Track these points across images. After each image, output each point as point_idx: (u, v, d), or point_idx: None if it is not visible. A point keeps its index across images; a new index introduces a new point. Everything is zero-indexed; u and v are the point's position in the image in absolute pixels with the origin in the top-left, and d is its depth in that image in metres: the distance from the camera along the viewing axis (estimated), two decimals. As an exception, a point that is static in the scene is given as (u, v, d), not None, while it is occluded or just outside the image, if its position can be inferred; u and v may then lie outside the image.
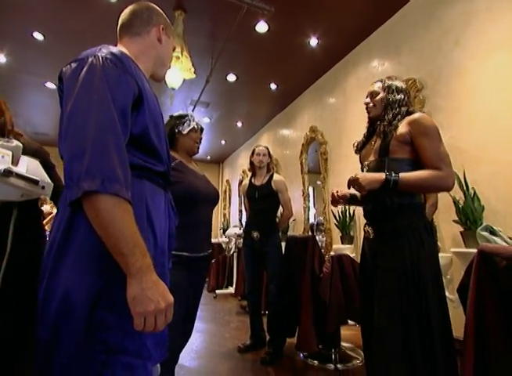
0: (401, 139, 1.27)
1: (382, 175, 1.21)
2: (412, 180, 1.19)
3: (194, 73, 3.06)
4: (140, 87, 0.75)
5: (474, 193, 2.09)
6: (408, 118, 1.28)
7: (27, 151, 1.30)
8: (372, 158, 1.38)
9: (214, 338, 2.76)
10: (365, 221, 1.43)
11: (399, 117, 1.32)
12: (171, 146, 1.44)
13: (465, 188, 2.10)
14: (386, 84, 1.40)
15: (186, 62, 2.89)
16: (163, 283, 0.64)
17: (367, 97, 1.44)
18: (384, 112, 1.36)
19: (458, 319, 2.30)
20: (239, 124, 6.22)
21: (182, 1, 3.01)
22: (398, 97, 1.35)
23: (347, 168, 3.61)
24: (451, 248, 2.12)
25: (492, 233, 1.89)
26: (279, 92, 4.78)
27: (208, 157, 8.86)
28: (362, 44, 3.53)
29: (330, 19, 3.22)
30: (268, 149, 2.55)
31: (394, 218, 1.28)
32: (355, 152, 1.56)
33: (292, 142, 5.11)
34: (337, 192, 1.47)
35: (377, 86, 1.42)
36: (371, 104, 1.41)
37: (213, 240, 6.86)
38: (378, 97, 1.38)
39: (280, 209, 2.54)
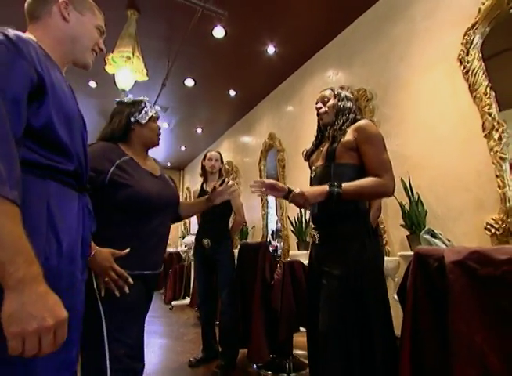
0: (347, 145, 1.29)
1: (325, 188, 1.20)
2: (353, 190, 1.20)
3: (147, 75, 2.94)
4: (41, 74, 0.66)
5: (418, 197, 2.18)
6: (354, 125, 1.31)
7: None
8: (319, 163, 1.40)
9: (166, 353, 2.61)
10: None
11: (347, 123, 1.35)
12: (123, 139, 1.24)
13: (410, 193, 2.19)
14: (336, 92, 1.44)
15: (138, 63, 2.77)
16: (55, 296, 0.55)
17: (318, 102, 1.45)
18: (336, 118, 1.37)
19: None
20: (199, 131, 6.11)
21: (135, 0, 2.90)
22: (348, 105, 1.39)
23: (303, 174, 3.64)
24: (398, 252, 2.19)
25: (433, 236, 1.98)
26: (238, 99, 4.77)
27: (168, 164, 8.60)
28: (318, 53, 3.63)
29: (286, 28, 3.28)
30: (220, 154, 2.50)
31: (338, 224, 1.29)
32: (304, 159, 1.57)
33: (252, 149, 5.11)
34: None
35: (328, 93, 1.45)
36: (323, 109, 1.41)
37: (172, 249, 6.61)
38: (330, 103, 1.40)
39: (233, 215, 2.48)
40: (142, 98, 1.31)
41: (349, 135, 1.29)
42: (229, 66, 3.90)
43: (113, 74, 2.84)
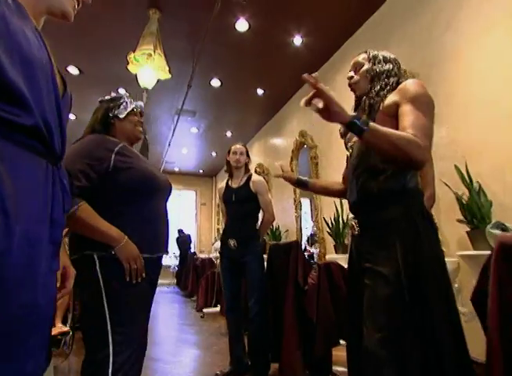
0: (388, 112, 1.05)
1: (347, 116, 0.90)
2: (381, 132, 0.91)
3: (169, 72, 2.86)
4: None
5: (480, 187, 1.82)
6: (398, 86, 1.07)
7: None
8: (356, 138, 1.13)
9: (193, 364, 2.43)
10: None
11: (388, 87, 1.10)
12: (106, 133, 1.22)
13: (468, 182, 1.84)
14: (371, 55, 1.20)
15: (160, 60, 2.70)
16: None
17: (350, 70, 1.23)
18: (371, 85, 1.14)
19: (472, 337, 1.99)
20: (229, 134, 6.02)
21: (156, -1, 2.86)
22: (386, 67, 1.14)
23: (338, 171, 3.35)
24: (457, 252, 1.83)
25: (504, 230, 1.62)
26: (266, 98, 4.60)
27: (201, 171, 8.64)
28: (349, 40, 3.36)
29: (313, 15, 3.06)
30: (245, 147, 2.30)
31: (382, 208, 1.03)
32: (341, 137, 1.32)
33: (283, 149, 4.89)
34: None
35: (362, 57, 1.22)
36: (355, 78, 1.20)
37: (204, 255, 6.52)
38: (363, 69, 1.18)
39: (261, 214, 2.26)
40: (121, 93, 1.31)
41: (390, 99, 1.06)
42: (255, 62, 3.75)
43: (136, 75, 2.79)
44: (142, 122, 1.30)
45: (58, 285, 0.87)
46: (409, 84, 1.04)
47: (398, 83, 1.12)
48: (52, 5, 0.72)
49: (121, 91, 4.29)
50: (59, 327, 2.61)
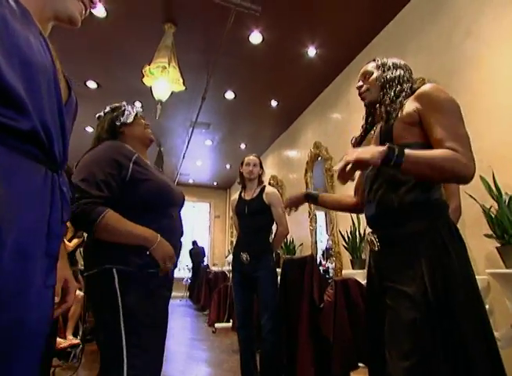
0: (408, 120, 0.98)
1: (379, 148, 0.86)
2: (419, 157, 0.86)
3: (184, 84, 2.89)
4: None
5: (510, 199, 1.69)
6: (416, 92, 1.00)
7: None
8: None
9: (203, 384, 2.33)
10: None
11: (403, 94, 1.04)
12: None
13: (496, 194, 1.72)
14: (380, 62, 1.15)
15: (174, 72, 2.73)
16: None
17: (359, 80, 1.19)
18: (383, 92, 1.09)
19: (506, 365, 1.82)
20: (243, 146, 6.02)
21: (172, 13, 2.92)
22: (397, 73, 1.09)
23: (354, 183, 3.26)
24: (486, 269, 1.70)
25: (539, 246, 1.49)
26: (280, 110, 4.59)
27: (215, 183, 8.67)
28: (363, 51, 3.32)
29: (327, 26, 3.05)
30: (259, 158, 2.26)
31: (405, 222, 0.95)
32: (353, 146, 1.25)
33: (297, 161, 4.83)
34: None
35: (371, 66, 1.17)
36: (365, 87, 1.15)
37: (217, 269, 6.44)
38: (373, 77, 1.13)
39: (274, 227, 2.19)
40: (121, 103, 1.30)
41: (409, 107, 0.99)
42: (269, 73, 3.76)
43: (151, 87, 2.83)
44: (148, 124, 1.31)
45: (58, 300, 0.83)
46: (431, 90, 0.97)
47: (412, 89, 1.06)
48: (58, 11, 0.70)
49: (137, 104, 4.38)
50: (69, 340, 2.58)
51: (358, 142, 1.24)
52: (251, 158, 2.23)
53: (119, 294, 0.99)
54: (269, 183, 5.41)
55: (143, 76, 2.78)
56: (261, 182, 2.25)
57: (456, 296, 0.83)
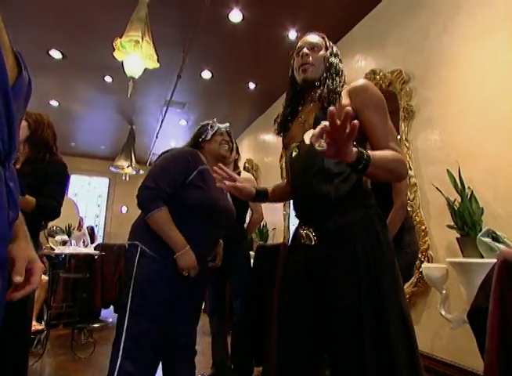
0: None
1: (353, 154, 0.80)
2: (380, 160, 0.84)
3: (158, 61, 2.73)
4: None
5: (472, 193, 1.79)
6: (350, 87, 0.99)
7: None
8: (302, 138, 1.00)
9: (174, 366, 2.34)
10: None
11: (341, 86, 1.01)
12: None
13: (460, 188, 1.81)
14: (328, 43, 1.09)
15: (148, 48, 2.56)
16: None
17: (303, 47, 1.06)
18: (325, 76, 1.02)
19: (455, 343, 1.98)
20: (219, 128, 5.89)
21: (146, -18, 2.71)
22: (341, 65, 1.07)
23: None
24: (446, 258, 1.81)
25: (495, 239, 1.60)
26: (258, 92, 4.50)
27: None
28: (343, 38, 3.29)
29: (310, 10, 2.98)
30: (236, 144, 2.22)
31: (342, 212, 0.94)
32: (278, 132, 1.16)
33: (273, 146, 4.81)
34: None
35: (317, 39, 1.08)
36: (310, 59, 1.03)
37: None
38: (321, 53, 1.05)
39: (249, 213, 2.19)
40: (209, 121, 1.50)
41: (344, 101, 0.97)
42: (248, 54, 3.65)
43: (122, 62, 2.65)
44: (227, 141, 1.46)
45: (21, 280, 0.77)
46: (367, 87, 0.97)
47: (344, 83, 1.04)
48: None
49: (107, 79, 4.11)
50: (33, 326, 2.49)
51: (283, 128, 1.14)
52: (227, 143, 2.18)
53: (135, 269, 1.20)
54: (244, 167, 5.37)
55: (114, 49, 2.59)
56: (236, 167, 2.22)
57: (385, 283, 0.87)
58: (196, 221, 1.28)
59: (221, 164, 1.12)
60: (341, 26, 3.19)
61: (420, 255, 2.22)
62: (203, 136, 1.43)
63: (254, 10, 2.98)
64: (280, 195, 1.22)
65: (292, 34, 3.30)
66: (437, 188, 1.98)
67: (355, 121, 0.68)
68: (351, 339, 0.84)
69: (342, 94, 0.98)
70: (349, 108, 0.66)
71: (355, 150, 0.79)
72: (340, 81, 1.01)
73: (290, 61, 1.12)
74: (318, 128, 0.72)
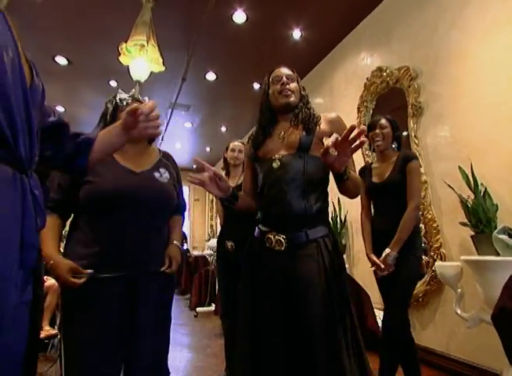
0: (321, 137, 1.12)
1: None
2: (354, 177, 1.08)
3: (163, 64, 2.74)
4: None
5: (485, 190, 1.77)
6: (327, 116, 1.19)
7: None
8: (284, 152, 1.14)
9: (185, 369, 2.35)
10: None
11: (314, 113, 1.20)
12: None
13: (473, 185, 1.78)
14: (296, 75, 1.25)
15: (153, 51, 2.58)
16: None
17: (282, 77, 1.20)
18: (303, 103, 1.21)
19: (471, 342, 1.94)
20: (224, 129, 5.90)
21: (150, -14, 2.72)
22: (307, 94, 1.26)
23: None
24: (461, 256, 1.78)
25: (511, 235, 1.57)
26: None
27: (194, 166, 8.50)
28: (349, 35, 3.27)
29: (314, 8, 2.96)
30: (244, 145, 2.21)
31: (311, 226, 1.09)
32: (253, 146, 1.24)
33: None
34: None
35: (290, 72, 1.24)
36: (291, 87, 1.19)
37: (197, 253, 6.44)
38: (295, 84, 1.21)
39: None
40: (109, 97, 1.27)
41: (323, 126, 1.16)
42: (252, 55, 3.64)
43: (128, 67, 2.66)
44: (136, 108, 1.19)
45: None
46: (341, 120, 1.19)
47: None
48: None
49: (113, 83, 4.13)
50: (46, 330, 2.51)
51: (259, 144, 1.22)
52: (236, 144, 2.18)
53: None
54: (250, 168, 5.37)
55: (120, 54, 2.60)
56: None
57: (345, 288, 1.06)
58: (98, 219, 1.09)
59: (197, 159, 1.11)
60: (346, 23, 3.16)
61: (432, 253, 2.20)
62: (107, 117, 1.21)
63: (257, 10, 2.97)
64: (244, 204, 1.26)
65: (296, 33, 3.28)
66: (449, 185, 1.96)
67: (364, 139, 0.85)
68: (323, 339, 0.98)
69: (325, 121, 1.17)
70: (364, 127, 0.88)
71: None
72: (313, 109, 1.21)
73: (264, 87, 1.27)
74: (332, 139, 0.88)
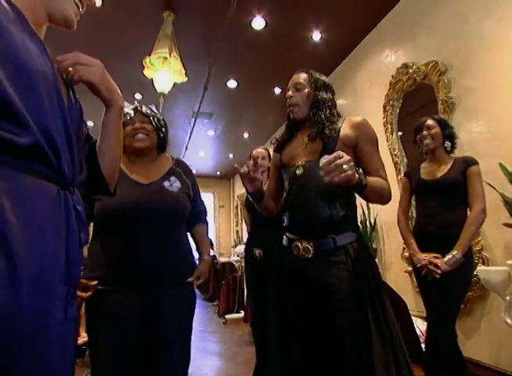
0: (347, 143, 1.11)
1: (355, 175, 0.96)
2: (372, 184, 1.02)
3: (186, 75, 2.79)
4: None
5: (531, 187, 1.63)
6: (352, 120, 1.15)
7: None
8: (307, 158, 1.14)
9: (217, 377, 2.34)
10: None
11: (335, 118, 1.15)
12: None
13: (517, 182, 1.66)
14: (313, 78, 1.18)
15: (175, 63, 2.63)
16: None
17: (289, 89, 1.20)
18: (313, 112, 1.14)
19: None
20: (246, 135, 5.93)
21: (171, 1, 2.79)
22: (327, 96, 1.16)
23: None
24: (507, 260, 1.65)
25: None
26: (284, 97, 4.46)
27: (218, 173, 8.60)
28: (371, 33, 3.18)
29: (333, 8, 2.91)
30: (268, 151, 2.19)
31: (338, 233, 1.06)
32: (275, 150, 1.31)
33: (302, 149, 4.75)
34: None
35: (303, 78, 1.19)
36: (295, 98, 1.17)
37: (224, 259, 6.46)
38: (304, 92, 1.17)
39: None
40: None
41: (348, 131, 1.12)
42: (272, 60, 3.63)
43: (152, 79, 2.73)
44: (139, 127, 1.19)
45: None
46: (366, 124, 1.15)
47: (337, 114, 1.18)
48: (53, 12, 0.64)
49: (138, 96, 4.28)
50: (83, 337, 2.59)
51: (279, 148, 1.27)
52: (259, 151, 2.17)
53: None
54: (274, 172, 5.34)
55: (144, 67, 2.68)
56: (270, 175, 2.19)
57: (382, 296, 1.02)
58: (111, 234, 1.10)
59: (236, 166, 1.10)
60: (367, 21, 3.08)
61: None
62: None
63: (276, 16, 2.97)
64: (267, 206, 1.26)
65: (316, 35, 3.25)
66: (489, 184, 1.83)
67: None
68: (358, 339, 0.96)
69: (344, 125, 1.14)
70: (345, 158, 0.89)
71: (356, 176, 0.94)
72: (329, 113, 1.13)
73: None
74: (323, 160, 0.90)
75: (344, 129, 1.12)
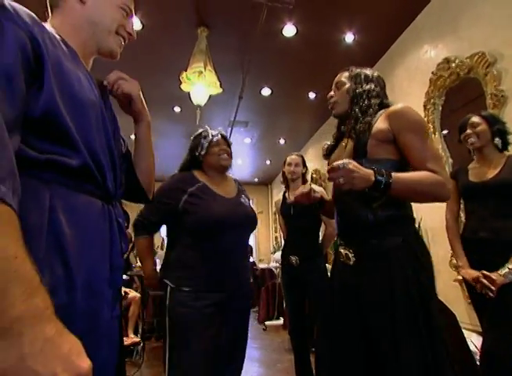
0: (380, 137, 1.02)
1: (371, 176, 0.91)
2: (406, 183, 0.93)
3: (221, 87, 2.89)
4: (39, 44, 0.50)
5: None
6: (388, 111, 1.05)
7: None
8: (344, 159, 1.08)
9: (257, 384, 2.34)
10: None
11: (371, 110, 1.06)
12: (196, 168, 1.38)
13: None
14: (353, 73, 1.17)
15: (210, 76, 2.74)
16: (72, 338, 0.37)
17: (332, 89, 1.22)
18: (351, 105, 1.11)
19: None
20: (282, 142, 5.94)
21: (204, 17, 2.92)
22: (367, 87, 1.10)
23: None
24: None
25: None
26: (319, 101, 4.42)
27: (256, 180, 8.69)
28: (407, 30, 3.05)
29: (366, 8, 2.84)
30: (302, 157, 2.19)
31: (379, 238, 1.00)
32: (324, 157, 1.30)
33: (339, 153, 4.65)
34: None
35: (344, 76, 1.18)
36: (334, 98, 1.18)
37: (264, 265, 6.48)
38: (343, 88, 1.15)
39: (323, 227, 2.11)
40: (201, 130, 1.43)
41: (381, 124, 1.03)
42: (304, 65, 3.63)
43: (189, 93, 2.87)
44: (225, 149, 1.37)
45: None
46: (404, 111, 1.02)
47: (381, 104, 1.09)
48: (101, 47, 0.73)
49: (176, 109, 4.49)
50: (131, 338, 2.75)
51: (330, 151, 1.26)
52: (293, 158, 2.17)
53: (168, 303, 1.22)
54: (312, 178, 5.28)
55: (181, 82, 2.83)
56: (305, 181, 2.18)
57: (431, 309, 0.93)
58: (202, 244, 1.22)
59: (301, 192, 1.21)
60: (403, 18, 2.97)
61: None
62: (199, 150, 1.36)
63: (306, 22, 2.97)
64: (329, 209, 1.28)
65: (349, 37, 3.19)
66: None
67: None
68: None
69: (380, 118, 1.04)
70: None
71: (372, 177, 0.90)
72: (368, 106, 1.06)
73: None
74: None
75: (379, 122, 1.03)
